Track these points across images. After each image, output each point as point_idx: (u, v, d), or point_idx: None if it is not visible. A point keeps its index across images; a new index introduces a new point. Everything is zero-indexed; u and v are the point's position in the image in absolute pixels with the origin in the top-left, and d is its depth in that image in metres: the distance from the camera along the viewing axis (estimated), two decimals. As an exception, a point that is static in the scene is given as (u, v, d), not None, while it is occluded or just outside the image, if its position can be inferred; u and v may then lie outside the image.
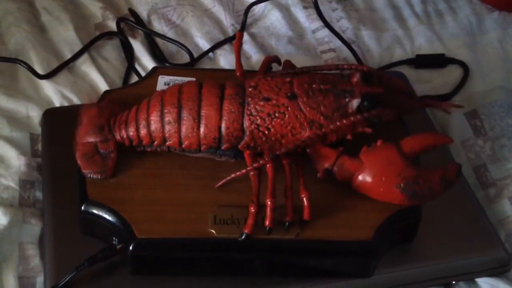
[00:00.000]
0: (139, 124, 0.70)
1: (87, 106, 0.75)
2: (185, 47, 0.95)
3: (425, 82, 0.93)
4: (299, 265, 0.68)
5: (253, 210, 0.66)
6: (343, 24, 0.99)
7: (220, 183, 0.69)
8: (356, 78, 0.70)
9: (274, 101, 0.69)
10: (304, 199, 0.67)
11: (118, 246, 0.67)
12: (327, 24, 0.95)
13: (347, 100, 0.69)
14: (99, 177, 0.70)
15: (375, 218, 0.68)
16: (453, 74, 0.95)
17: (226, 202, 0.68)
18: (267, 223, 0.65)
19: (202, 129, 0.69)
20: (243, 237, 0.66)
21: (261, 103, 0.69)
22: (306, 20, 1.00)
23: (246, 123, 0.68)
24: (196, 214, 0.68)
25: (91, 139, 0.71)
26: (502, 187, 0.82)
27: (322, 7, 0.96)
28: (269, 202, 0.65)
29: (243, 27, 0.98)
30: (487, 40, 0.99)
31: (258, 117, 0.68)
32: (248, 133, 0.69)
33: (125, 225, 0.67)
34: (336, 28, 0.96)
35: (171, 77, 0.82)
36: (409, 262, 0.72)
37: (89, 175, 0.70)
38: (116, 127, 0.71)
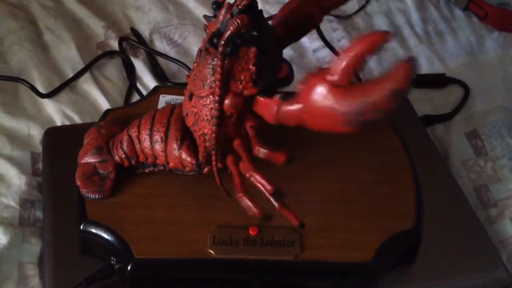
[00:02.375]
0: (133, 140, 0.70)
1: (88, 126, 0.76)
2: (187, 66, 0.95)
3: (426, 102, 0.93)
4: (298, 287, 0.68)
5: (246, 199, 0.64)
6: (344, 44, 1.00)
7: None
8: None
9: (188, 110, 0.68)
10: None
11: (117, 266, 0.67)
12: (327, 44, 0.95)
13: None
14: (97, 196, 0.70)
15: (375, 239, 0.68)
16: (453, 93, 0.95)
17: (225, 223, 0.68)
18: (268, 187, 0.63)
19: (182, 152, 0.69)
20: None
21: (187, 119, 0.68)
22: (307, 39, 1.00)
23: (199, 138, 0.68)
24: (195, 234, 0.67)
25: (90, 160, 0.72)
26: (504, 207, 0.82)
27: (322, 27, 0.96)
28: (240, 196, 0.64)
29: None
30: (487, 60, 0.99)
31: (197, 130, 0.67)
32: (202, 145, 0.68)
33: (123, 245, 0.67)
34: (337, 48, 0.96)
35: (172, 96, 0.82)
36: (409, 283, 0.71)
37: (87, 195, 0.70)
38: (114, 148, 0.71)
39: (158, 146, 0.69)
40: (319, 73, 0.58)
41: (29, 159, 0.83)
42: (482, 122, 0.90)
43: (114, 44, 0.97)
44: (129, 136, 0.71)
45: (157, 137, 0.69)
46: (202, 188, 0.71)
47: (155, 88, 0.85)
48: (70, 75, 0.93)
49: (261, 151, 0.66)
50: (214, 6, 0.64)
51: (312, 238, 0.68)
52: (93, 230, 0.68)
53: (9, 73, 0.93)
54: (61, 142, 0.81)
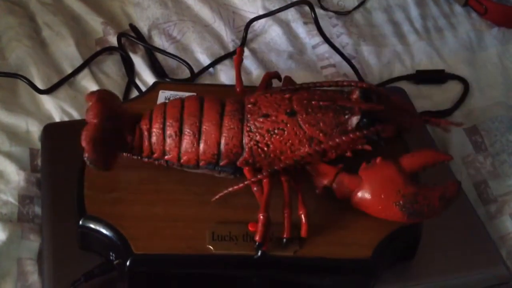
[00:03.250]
0: (143, 134, 0.69)
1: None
2: (186, 62, 0.95)
3: (425, 98, 0.93)
4: (297, 283, 0.68)
5: (262, 222, 0.65)
6: (343, 40, 1.00)
7: (217, 196, 0.69)
8: (355, 95, 0.70)
9: (273, 118, 0.69)
10: (302, 216, 0.67)
11: (115, 262, 0.67)
12: (327, 40, 0.95)
13: (346, 117, 0.69)
14: (101, 167, 0.67)
15: (374, 236, 0.68)
16: (453, 89, 0.95)
17: (224, 219, 0.68)
18: (257, 238, 0.65)
19: (201, 145, 0.69)
20: (259, 254, 0.66)
21: (260, 120, 0.69)
22: (306, 35, 1.00)
23: (245, 140, 0.68)
24: (194, 230, 0.67)
25: (104, 123, 0.67)
26: (503, 203, 0.82)
27: (322, 23, 0.96)
28: (261, 217, 0.65)
29: (244, 42, 0.98)
30: (486, 56, 0.99)
31: (257, 134, 0.68)
32: (247, 149, 0.68)
33: (122, 241, 0.66)
34: (336, 44, 0.96)
35: (171, 92, 0.82)
36: (409, 279, 0.71)
37: (92, 164, 0.67)
38: (125, 130, 0.69)
39: (171, 141, 0.68)
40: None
41: (27, 155, 0.83)
42: (482, 118, 0.90)
43: (113, 40, 0.97)
44: (140, 129, 0.69)
45: (170, 132, 0.68)
46: (201, 184, 0.71)
47: (155, 83, 0.84)
48: (69, 71, 0.93)
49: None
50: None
51: (311, 234, 0.67)
52: (92, 226, 0.68)
53: (7, 69, 0.93)
54: (59, 138, 0.81)
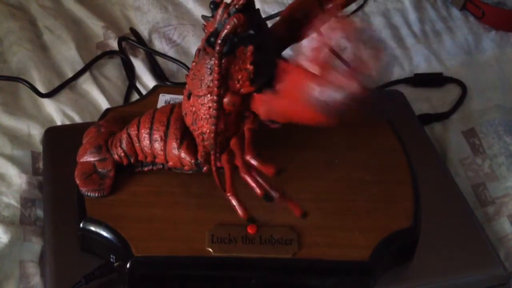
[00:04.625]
0: (132, 139, 0.71)
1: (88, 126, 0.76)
2: (186, 65, 0.96)
3: (423, 101, 0.94)
4: (296, 285, 0.68)
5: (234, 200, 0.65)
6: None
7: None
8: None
9: (186, 109, 0.68)
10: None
11: (116, 264, 0.67)
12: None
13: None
14: (96, 195, 0.70)
15: (372, 238, 0.68)
16: (451, 92, 0.95)
17: (223, 221, 0.69)
18: (258, 191, 0.65)
19: (181, 151, 0.69)
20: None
21: (185, 119, 0.69)
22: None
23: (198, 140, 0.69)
24: (193, 232, 0.68)
25: (89, 159, 0.72)
26: (501, 205, 0.82)
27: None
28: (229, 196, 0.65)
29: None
30: (484, 59, 0.99)
31: (196, 129, 0.68)
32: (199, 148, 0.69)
33: (122, 243, 0.67)
34: (336, 47, 0.97)
35: (172, 96, 0.82)
36: (407, 281, 0.71)
37: (86, 193, 0.70)
38: (113, 147, 0.72)
39: (158, 145, 0.70)
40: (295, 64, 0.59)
41: (29, 158, 0.83)
42: (479, 121, 0.90)
43: (114, 44, 0.98)
44: (128, 135, 0.71)
45: (156, 136, 0.69)
46: (201, 187, 0.71)
47: (155, 87, 0.85)
48: (70, 75, 0.94)
49: (251, 161, 0.66)
50: (211, 6, 0.65)
51: (310, 236, 0.68)
52: (93, 228, 0.69)
53: (9, 73, 0.93)
54: (61, 141, 0.81)
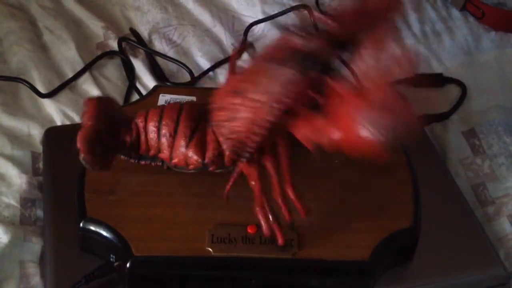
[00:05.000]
0: (139, 129, 0.70)
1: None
2: (186, 66, 0.96)
3: (423, 101, 0.94)
4: (296, 285, 0.68)
5: (260, 215, 0.65)
6: (342, 44, 1.00)
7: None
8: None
9: (225, 104, 0.67)
10: (289, 193, 0.65)
11: (116, 264, 0.67)
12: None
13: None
14: (98, 167, 0.67)
15: (372, 238, 0.68)
16: (451, 93, 0.95)
17: (224, 221, 0.69)
18: (265, 232, 0.65)
19: (190, 150, 0.69)
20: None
21: (218, 114, 0.68)
22: (306, 39, 1.00)
23: (220, 139, 0.68)
24: (193, 232, 0.68)
25: (99, 125, 0.68)
26: (501, 205, 0.82)
27: (320, 27, 0.97)
28: (257, 210, 0.65)
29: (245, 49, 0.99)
30: (484, 60, 0.99)
31: (221, 128, 0.68)
32: (225, 146, 0.68)
33: (122, 243, 0.67)
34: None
35: (172, 96, 0.82)
36: (407, 281, 0.71)
37: (88, 164, 0.67)
38: (122, 130, 0.70)
39: (165, 140, 0.69)
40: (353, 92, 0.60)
41: (29, 158, 0.83)
42: (479, 121, 0.90)
43: (114, 45, 0.98)
44: (136, 124, 0.70)
45: (165, 131, 0.69)
46: (201, 186, 0.71)
47: (155, 87, 0.85)
48: (70, 75, 0.94)
49: (289, 192, 0.66)
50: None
51: (309, 236, 0.68)
52: (93, 228, 0.69)
53: (9, 73, 0.93)
54: (61, 141, 0.81)
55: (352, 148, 0.61)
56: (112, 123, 0.69)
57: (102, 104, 0.70)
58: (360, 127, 0.58)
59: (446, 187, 0.79)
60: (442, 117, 0.92)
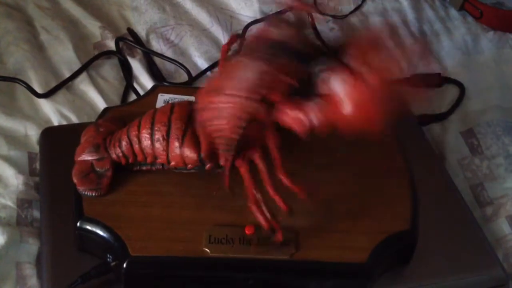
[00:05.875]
0: (131, 140, 0.70)
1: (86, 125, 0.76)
2: (183, 66, 0.96)
3: (421, 101, 0.93)
4: (293, 286, 0.68)
5: (255, 211, 0.65)
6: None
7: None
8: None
9: (206, 104, 0.68)
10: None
11: (112, 264, 0.67)
12: (324, 43, 0.96)
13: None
14: (93, 194, 0.70)
15: (370, 240, 0.68)
16: (449, 93, 0.95)
17: (221, 221, 0.68)
18: (263, 225, 0.65)
19: (184, 148, 0.69)
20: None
21: (202, 114, 0.68)
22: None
23: (209, 139, 0.68)
24: (191, 233, 0.68)
25: (87, 158, 0.72)
26: (499, 206, 0.82)
27: (319, 27, 0.97)
28: (251, 207, 0.65)
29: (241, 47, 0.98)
30: (482, 60, 0.99)
31: (207, 128, 0.68)
32: (216, 146, 0.68)
33: (119, 242, 0.67)
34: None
35: (170, 95, 0.82)
36: (405, 282, 0.71)
37: (84, 193, 0.70)
38: (111, 146, 0.72)
39: (159, 145, 0.69)
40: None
41: (26, 159, 0.83)
42: (478, 121, 0.90)
43: (111, 44, 0.98)
44: (128, 136, 0.71)
45: (158, 136, 0.69)
46: (199, 187, 0.71)
47: (154, 87, 0.85)
48: (67, 75, 0.94)
49: (282, 179, 0.66)
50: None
51: (307, 238, 0.68)
52: (90, 228, 0.68)
53: (5, 73, 0.93)
54: (58, 142, 0.81)
55: (345, 124, 0.61)
56: (102, 149, 0.72)
57: (94, 133, 0.73)
58: (351, 102, 0.59)
59: (444, 188, 0.79)
60: (440, 117, 0.92)
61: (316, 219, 0.69)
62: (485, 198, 0.83)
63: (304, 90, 0.64)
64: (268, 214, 0.65)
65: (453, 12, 1.06)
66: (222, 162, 0.68)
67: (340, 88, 0.61)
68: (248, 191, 0.65)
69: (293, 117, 0.64)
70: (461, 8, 1.05)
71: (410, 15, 1.05)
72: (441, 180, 0.80)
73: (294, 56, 0.65)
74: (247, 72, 0.65)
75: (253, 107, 0.65)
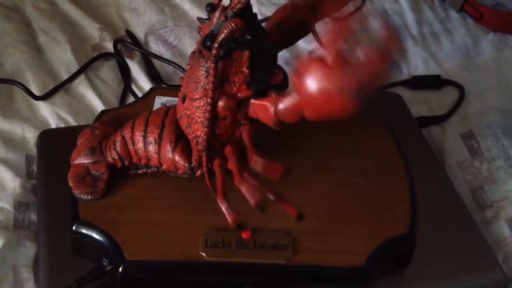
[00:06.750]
0: (126, 142, 0.70)
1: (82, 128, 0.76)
2: (182, 68, 0.95)
3: (421, 103, 0.93)
4: (290, 290, 0.68)
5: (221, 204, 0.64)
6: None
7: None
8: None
9: (181, 113, 0.68)
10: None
11: (108, 268, 0.67)
12: (323, 45, 0.95)
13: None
14: (89, 198, 0.70)
15: (368, 244, 0.68)
16: (449, 95, 0.95)
17: (217, 225, 0.68)
18: (252, 202, 0.63)
19: (176, 154, 0.69)
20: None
21: (181, 122, 0.68)
22: (303, 41, 1.00)
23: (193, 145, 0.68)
24: (187, 237, 0.67)
25: (83, 161, 0.72)
26: (499, 208, 0.82)
27: (318, 29, 0.96)
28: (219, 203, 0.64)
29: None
30: (482, 61, 0.99)
31: (190, 133, 0.67)
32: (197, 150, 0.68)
33: (115, 246, 0.67)
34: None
35: (168, 98, 0.82)
36: (404, 286, 0.71)
37: (79, 196, 0.70)
38: (107, 149, 0.71)
39: (152, 148, 0.69)
40: (311, 60, 0.58)
41: (23, 161, 0.83)
42: (478, 124, 0.90)
43: (109, 46, 0.97)
44: (123, 137, 0.71)
45: (150, 138, 0.69)
46: (195, 191, 0.71)
47: (151, 89, 0.85)
48: (65, 77, 0.93)
49: (258, 162, 0.65)
50: (208, 8, 0.64)
51: (305, 242, 0.67)
52: (85, 231, 0.68)
53: (3, 75, 0.93)
54: (55, 144, 0.81)
55: (317, 111, 0.59)
56: (98, 152, 0.72)
57: (90, 136, 0.73)
58: (323, 87, 0.56)
59: (444, 190, 0.79)
60: (440, 119, 0.91)
61: (313, 223, 0.68)
62: (485, 201, 0.83)
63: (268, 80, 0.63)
64: (256, 183, 0.64)
65: (453, 14, 1.06)
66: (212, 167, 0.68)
67: (302, 69, 0.58)
68: (218, 186, 0.65)
69: (260, 108, 0.62)
70: (460, 10, 1.05)
71: (410, 16, 1.04)
72: (440, 182, 0.80)
73: (233, 46, 0.62)
74: (197, 71, 0.64)
75: (213, 106, 0.63)
